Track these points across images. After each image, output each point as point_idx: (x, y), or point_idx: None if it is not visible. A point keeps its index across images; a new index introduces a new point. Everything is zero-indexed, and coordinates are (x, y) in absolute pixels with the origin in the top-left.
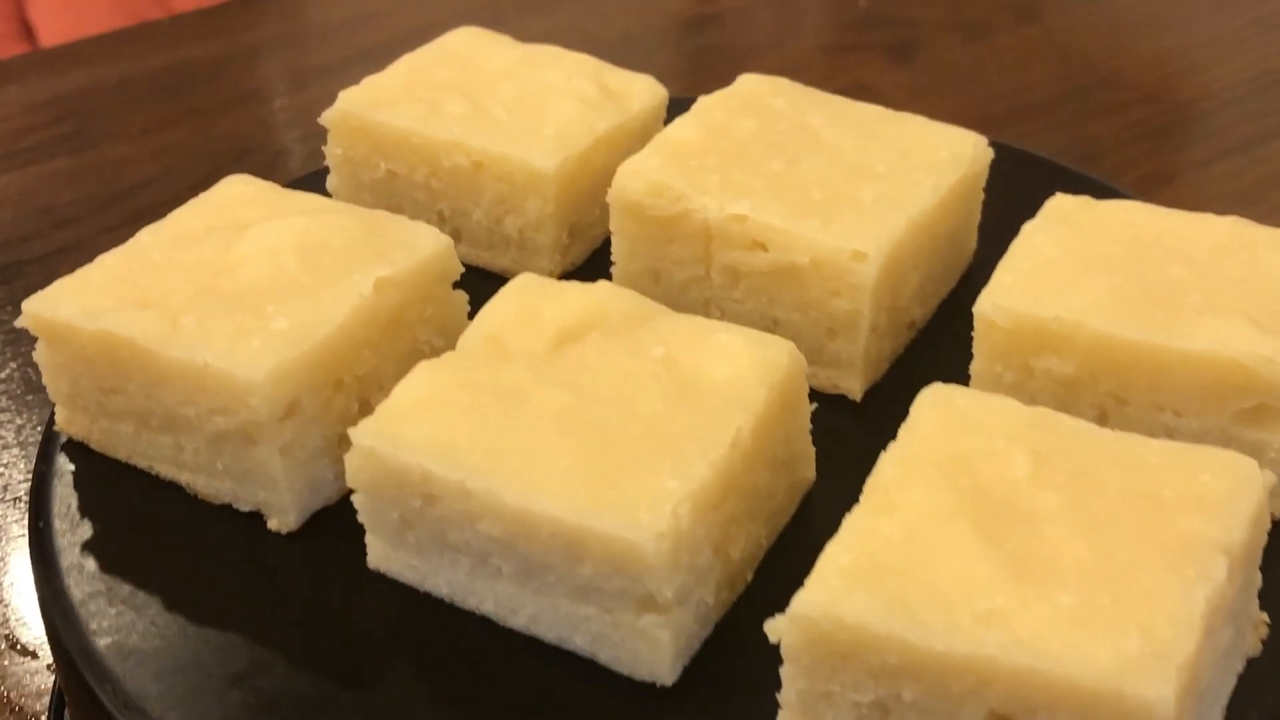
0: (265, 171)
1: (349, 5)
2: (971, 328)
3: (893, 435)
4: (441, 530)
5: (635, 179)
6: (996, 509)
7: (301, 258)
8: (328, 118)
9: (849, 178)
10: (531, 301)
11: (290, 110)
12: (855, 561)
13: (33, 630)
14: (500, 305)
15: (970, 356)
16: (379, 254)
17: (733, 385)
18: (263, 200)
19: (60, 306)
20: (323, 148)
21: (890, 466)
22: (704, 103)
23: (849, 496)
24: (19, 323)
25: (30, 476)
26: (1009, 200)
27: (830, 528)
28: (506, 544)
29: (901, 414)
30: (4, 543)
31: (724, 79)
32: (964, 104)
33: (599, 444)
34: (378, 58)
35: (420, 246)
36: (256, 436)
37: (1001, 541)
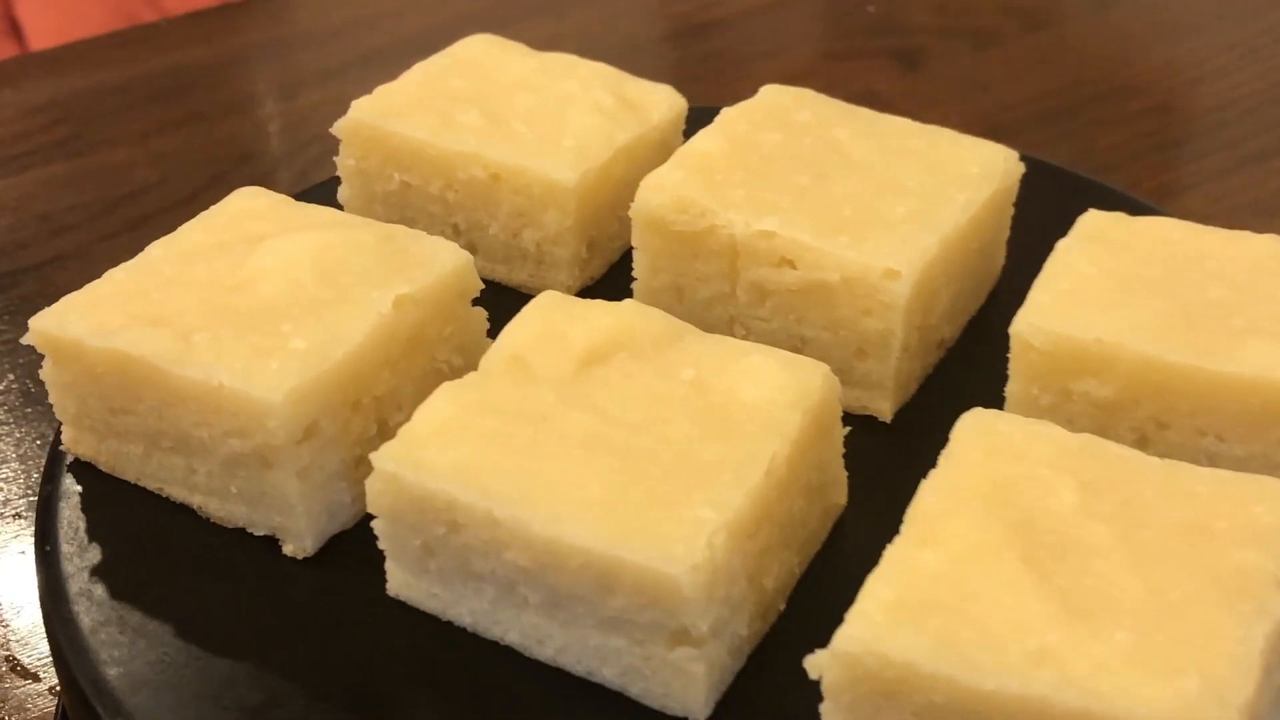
0: (267, 178)
1: (350, 8)
2: (1001, 347)
3: (925, 458)
4: (466, 558)
5: (659, 193)
6: (1044, 541)
7: (318, 274)
8: (340, 128)
9: (879, 193)
10: (555, 321)
11: (291, 115)
12: (899, 595)
13: (34, 651)
14: (523, 325)
15: (1001, 376)
16: (397, 270)
17: (766, 409)
18: (275, 213)
19: (68, 324)
20: (334, 158)
21: (931, 495)
22: (727, 115)
23: (881, 521)
24: (25, 339)
25: (29, 493)
26: (1031, 213)
27: (862, 554)
28: (534, 574)
29: (933, 435)
30: (3, 560)
31: (729, 85)
32: (973, 113)
33: (629, 471)
34: (380, 62)
35: (440, 262)
36: (273, 460)
37: (1050, 575)
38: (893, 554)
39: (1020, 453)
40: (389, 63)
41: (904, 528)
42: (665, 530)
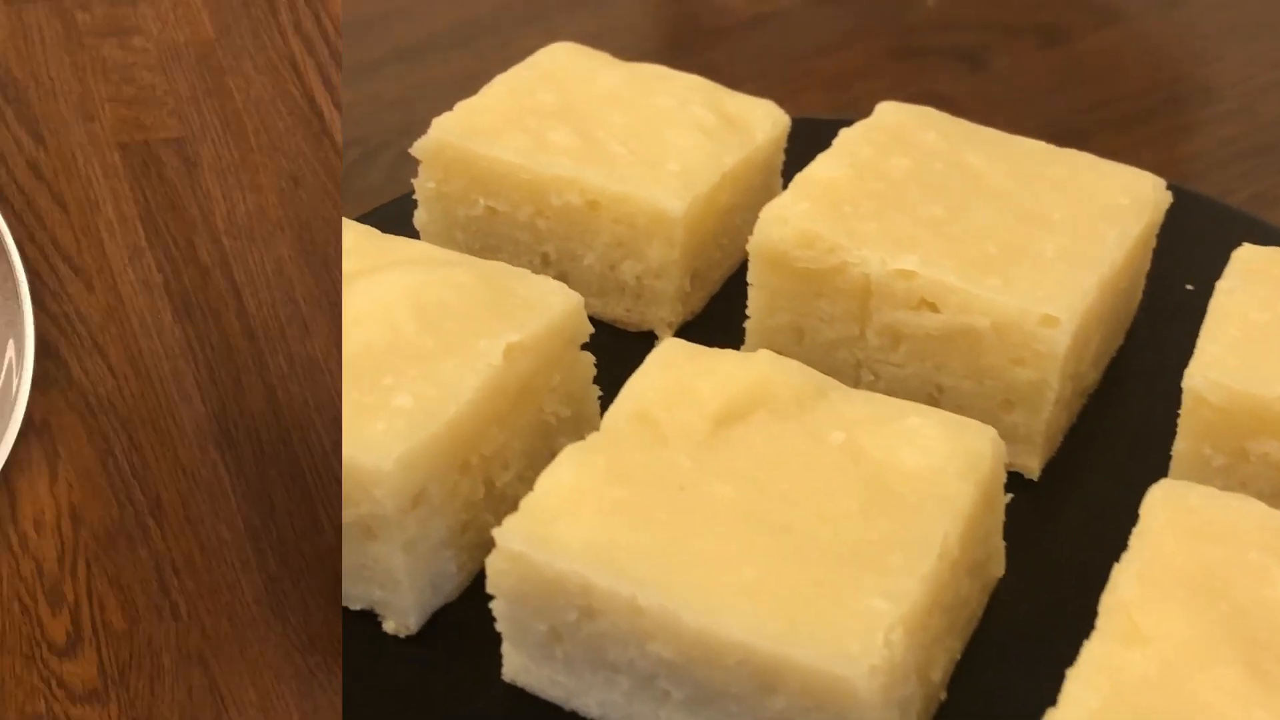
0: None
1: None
2: (1144, 392)
3: (1080, 520)
4: (600, 647)
5: (781, 226)
6: (1262, 639)
7: (417, 319)
8: (421, 148)
9: (1024, 228)
10: (683, 374)
11: None
12: (1106, 704)
13: None
14: (646, 378)
15: (1149, 425)
16: (504, 315)
17: (933, 480)
18: (359, 247)
19: None
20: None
21: (1129, 583)
22: (846, 136)
23: (1038, 592)
24: None
25: None
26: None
27: (1021, 630)
28: (681, 668)
29: (1086, 495)
30: None
31: (788, 84)
32: (1044, 117)
33: (785, 551)
34: (414, 58)
35: (549, 305)
36: (378, 531)
37: (1277, 683)
38: (1093, 652)
39: (1222, 533)
40: (425, 58)
41: (1101, 620)
42: (836, 624)
